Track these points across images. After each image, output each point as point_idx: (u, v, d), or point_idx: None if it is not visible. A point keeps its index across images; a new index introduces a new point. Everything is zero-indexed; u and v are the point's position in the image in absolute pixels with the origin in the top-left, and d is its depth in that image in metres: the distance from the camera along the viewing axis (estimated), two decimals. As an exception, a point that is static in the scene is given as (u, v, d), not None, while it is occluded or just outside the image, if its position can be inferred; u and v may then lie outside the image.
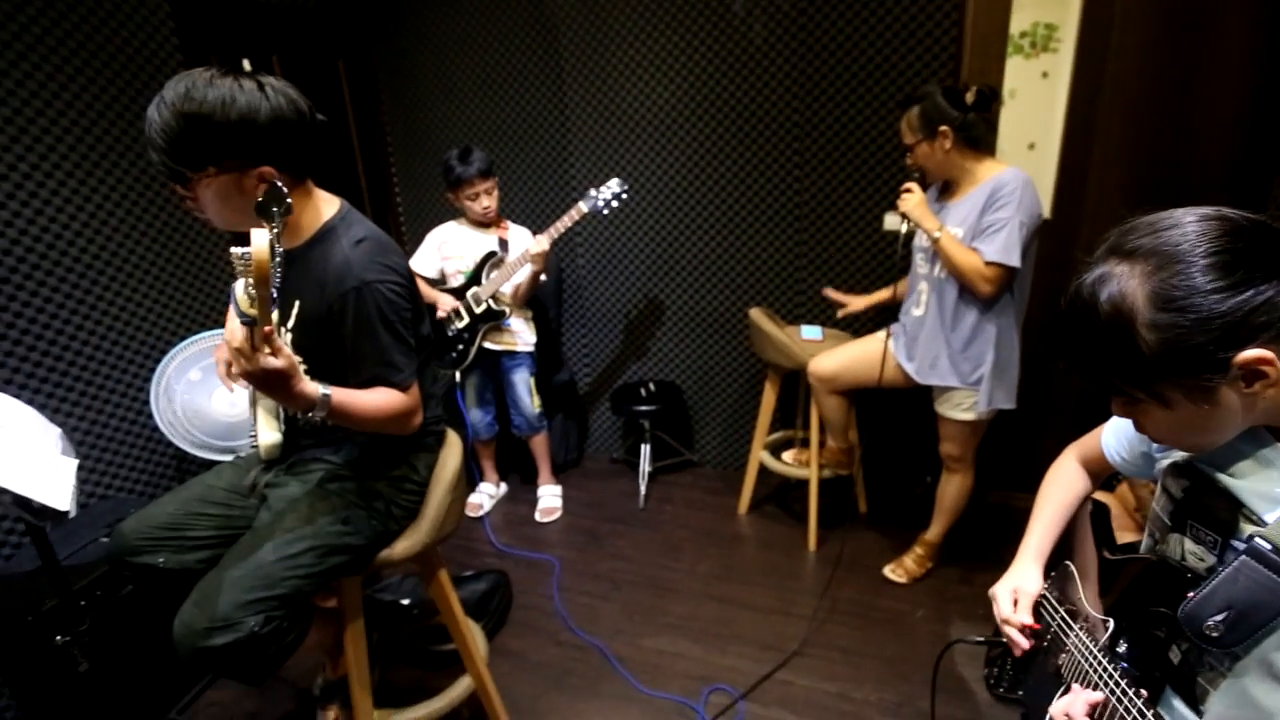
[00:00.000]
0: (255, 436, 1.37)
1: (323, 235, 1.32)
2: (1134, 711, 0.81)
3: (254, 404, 1.39)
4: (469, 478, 2.93)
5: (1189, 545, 0.84)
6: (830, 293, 2.47)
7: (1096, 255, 0.74)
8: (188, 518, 1.41)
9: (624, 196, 2.43)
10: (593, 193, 2.43)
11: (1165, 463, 0.90)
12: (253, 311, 0.99)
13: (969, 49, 2.33)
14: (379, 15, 2.95)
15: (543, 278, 2.54)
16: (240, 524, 1.43)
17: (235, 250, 0.94)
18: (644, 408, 2.87)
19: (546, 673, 2.06)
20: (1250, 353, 0.66)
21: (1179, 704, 0.84)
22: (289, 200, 1.01)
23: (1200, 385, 0.69)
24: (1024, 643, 1.03)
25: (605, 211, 2.44)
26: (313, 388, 1.16)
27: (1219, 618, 0.73)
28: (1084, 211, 2.38)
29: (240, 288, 1.02)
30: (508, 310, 2.58)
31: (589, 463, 3.28)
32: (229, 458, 1.69)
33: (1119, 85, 2.24)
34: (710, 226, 2.80)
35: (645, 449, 2.95)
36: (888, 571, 2.37)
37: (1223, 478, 0.79)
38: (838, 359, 2.24)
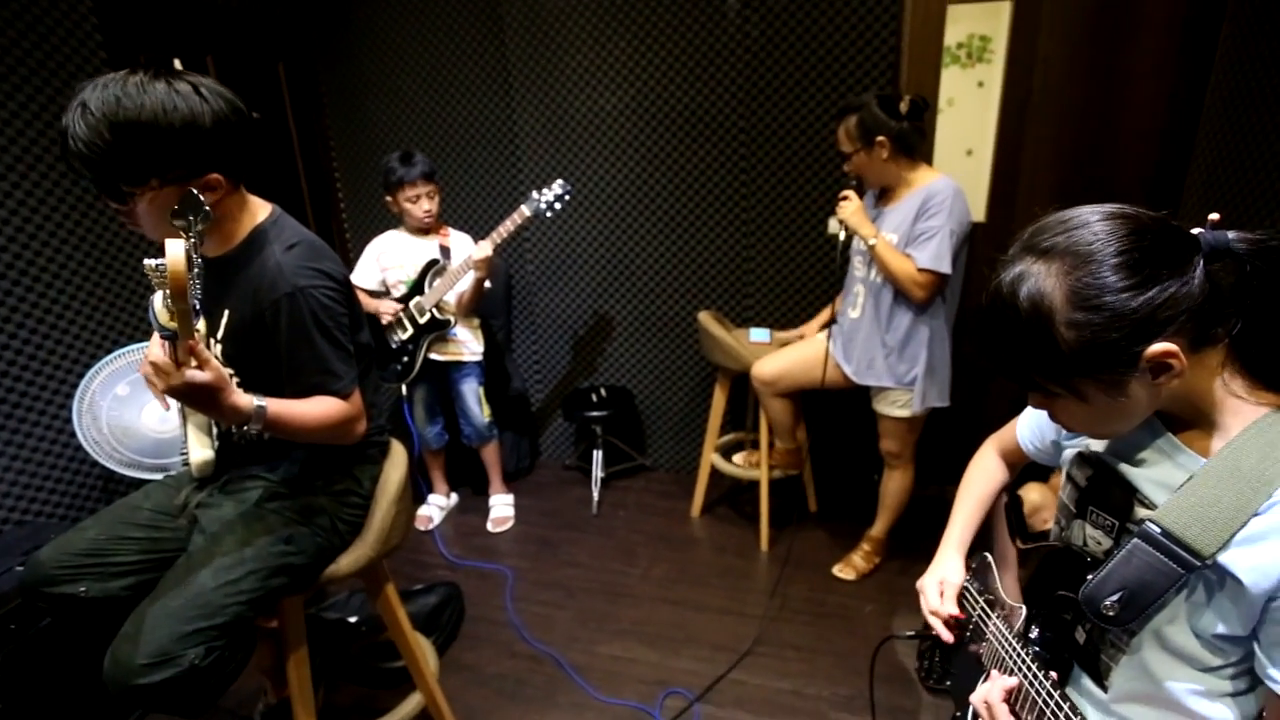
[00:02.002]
0: (186, 453, 1.31)
1: (253, 241, 1.27)
2: (1044, 693, 0.85)
3: (184, 419, 1.33)
4: (418, 490, 2.88)
5: (1090, 531, 0.88)
6: (781, 336, 2.54)
7: (1012, 253, 0.76)
8: (111, 542, 1.34)
9: (567, 198, 2.41)
10: (535, 195, 2.41)
11: (1070, 452, 0.94)
12: (173, 325, 0.95)
13: (907, 59, 2.41)
14: (322, 17, 2.88)
15: (488, 285, 2.51)
16: (169, 547, 1.36)
17: (149, 262, 0.89)
18: (596, 413, 2.86)
19: (501, 685, 2.03)
20: (1158, 346, 0.69)
21: (1087, 682, 0.89)
22: (206, 208, 0.96)
23: (1113, 379, 0.72)
24: (948, 634, 1.07)
25: (549, 214, 2.42)
26: (246, 400, 1.11)
27: (1114, 597, 0.77)
28: (1016, 214, 2.48)
29: (158, 301, 0.97)
30: (452, 319, 2.53)
31: (541, 470, 3.25)
32: (159, 476, 1.61)
33: (1047, 94, 2.34)
34: (659, 232, 2.81)
35: (597, 455, 2.94)
36: (836, 570, 2.41)
37: (1123, 466, 0.84)
38: (779, 362, 2.28)
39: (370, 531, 1.47)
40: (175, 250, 0.86)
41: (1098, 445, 0.89)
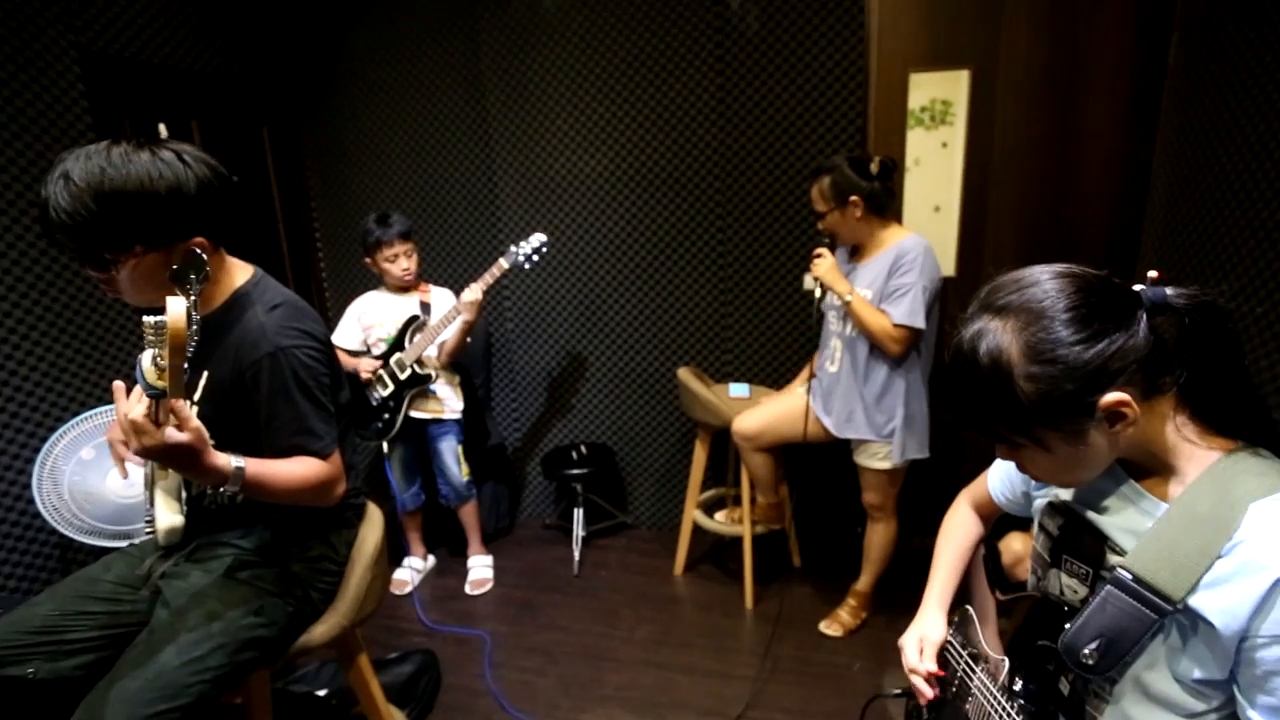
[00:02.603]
0: (152, 520, 1.27)
1: (234, 302, 1.27)
2: None
3: (151, 484, 1.29)
4: (396, 553, 2.80)
5: (1065, 580, 0.90)
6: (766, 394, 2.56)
7: (971, 311, 0.79)
8: (66, 618, 1.27)
9: (545, 250, 2.44)
10: (513, 248, 2.44)
11: (1041, 502, 0.96)
12: (161, 384, 0.94)
13: (873, 122, 2.51)
14: (306, 81, 2.95)
15: (469, 339, 2.51)
16: (129, 621, 1.30)
17: (148, 320, 0.89)
18: (576, 471, 2.83)
19: (478, 759, 1.94)
20: (1111, 396, 0.72)
21: None
22: (207, 268, 0.97)
23: (1073, 428, 0.75)
24: (929, 691, 1.05)
25: (527, 266, 2.44)
26: (224, 459, 1.10)
27: (1093, 645, 0.78)
28: (984, 267, 2.56)
29: (148, 359, 0.96)
30: (433, 374, 2.52)
31: (521, 530, 3.19)
32: (123, 544, 1.55)
33: (1006, 155, 2.45)
34: (637, 288, 2.84)
35: (578, 513, 2.89)
36: (823, 627, 2.37)
37: (1091, 514, 0.86)
38: (760, 417, 2.29)
39: (344, 599, 1.42)
40: (177, 308, 0.86)
41: (1066, 494, 0.91)
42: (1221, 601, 0.71)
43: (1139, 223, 2.37)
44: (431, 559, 2.92)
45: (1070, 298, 0.73)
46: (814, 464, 2.74)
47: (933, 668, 1.06)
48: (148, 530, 1.30)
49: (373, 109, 2.92)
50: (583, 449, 2.95)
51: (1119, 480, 0.84)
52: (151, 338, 0.89)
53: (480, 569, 2.80)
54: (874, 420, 2.10)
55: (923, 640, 1.09)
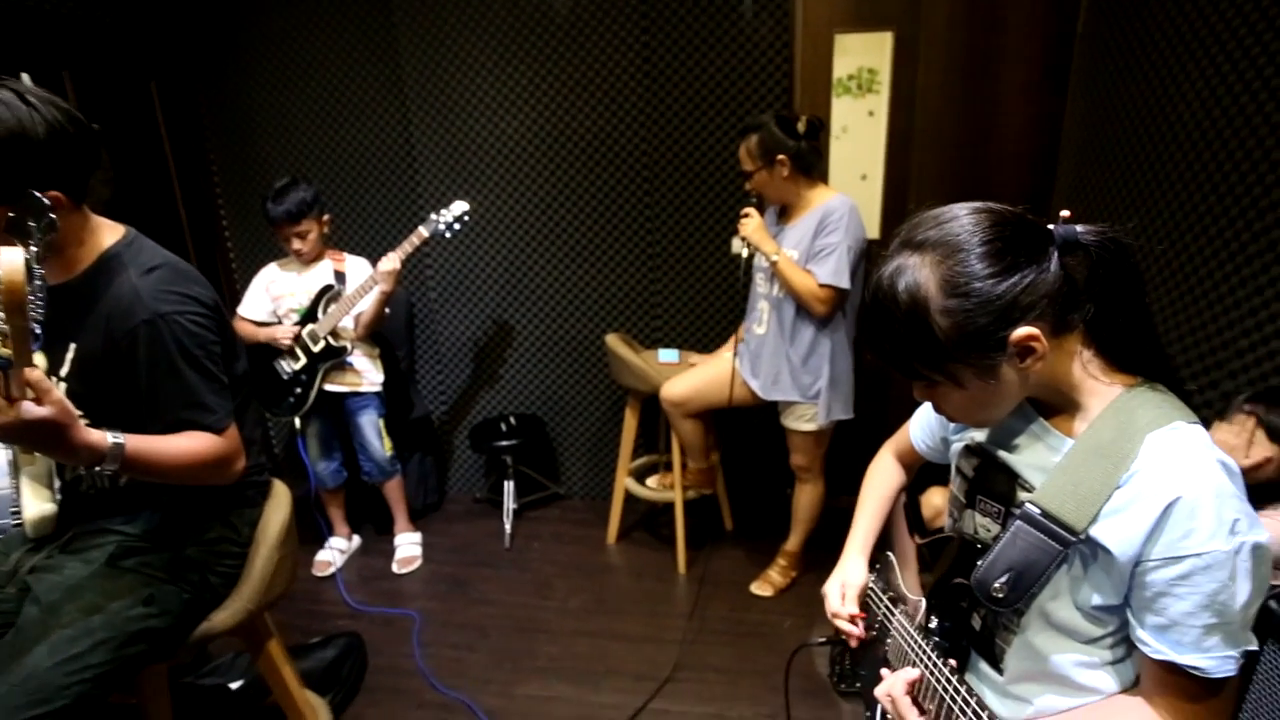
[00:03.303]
0: (18, 511, 1.14)
1: (103, 265, 1.15)
2: (944, 681, 0.87)
3: (15, 470, 1.16)
4: (318, 533, 2.68)
5: (979, 519, 0.92)
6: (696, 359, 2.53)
7: (892, 248, 0.79)
8: None
9: (467, 219, 2.34)
10: (434, 216, 2.32)
11: (958, 445, 0.98)
12: (6, 351, 0.83)
13: (799, 85, 2.50)
14: (201, 33, 2.70)
15: (387, 310, 2.39)
16: None
17: None
18: (505, 443, 2.76)
19: (407, 739, 1.89)
20: (1021, 331, 0.73)
21: (985, 666, 0.92)
22: (52, 215, 0.85)
23: (985, 363, 0.76)
24: (856, 631, 1.07)
25: (448, 235, 2.34)
26: (98, 436, 0.99)
27: (1002, 579, 0.81)
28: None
29: None
30: (349, 346, 2.39)
31: (450, 505, 3.11)
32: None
33: (927, 122, 2.48)
34: (564, 254, 2.77)
35: (509, 486, 2.83)
36: (754, 588, 2.41)
37: (1002, 454, 0.88)
38: (687, 383, 2.27)
39: (248, 582, 1.34)
40: (12, 259, 0.75)
41: (980, 435, 0.93)
42: (1119, 530, 0.74)
43: (1051, 184, 2.45)
44: (356, 539, 2.81)
45: (985, 232, 0.74)
46: (743, 428, 2.76)
47: (854, 610, 1.08)
48: (15, 524, 1.18)
49: (279, 66, 2.71)
50: (512, 420, 2.89)
51: (1029, 419, 0.86)
52: None
53: (408, 546, 2.71)
54: (800, 381, 2.11)
55: (844, 585, 1.10)
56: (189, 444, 1.13)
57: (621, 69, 2.51)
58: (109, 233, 1.18)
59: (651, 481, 2.67)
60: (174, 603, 1.22)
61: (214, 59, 2.74)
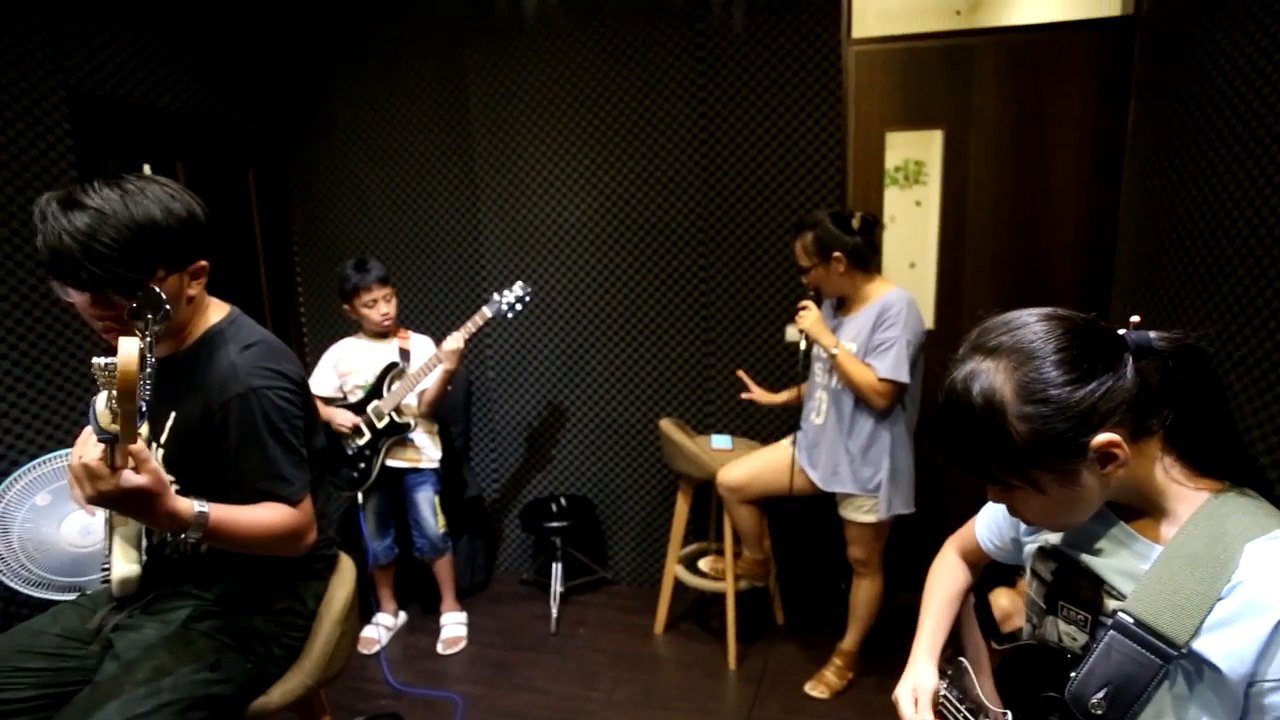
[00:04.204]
0: (108, 569, 1.20)
1: (207, 340, 1.24)
2: None
3: (110, 531, 1.22)
4: (366, 608, 2.68)
5: (1063, 626, 0.88)
6: (742, 374, 2.50)
7: (962, 352, 0.80)
8: (3, 675, 1.18)
9: (528, 299, 2.44)
10: (496, 297, 2.43)
11: (1032, 547, 0.95)
12: (114, 428, 0.89)
13: (852, 180, 2.58)
14: (292, 127, 2.97)
15: (450, 388, 2.47)
16: (75, 679, 1.21)
17: (98, 361, 0.84)
18: (555, 524, 2.76)
19: (446, 834, 1.81)
20: (1102, 437, 0.73)
21: None
22: (167, 307, 0.94)
23: (1065, 469, 0.75)
24: None
25: (509, 315, 2.43)
26: (186, 504, 1.04)
27: (1100, 694, 0.77)
28: (962, 321, 2.60)
29: (102, 401, 0.92)
30: (412, 423, 2.47)
31: (497, 585, 3.08)
32: (72, 596, 1.46)
33: (979, 212, 2.52)
34: (621, 339, 2.84)
35: (557, 568, 2.81)
36: (809, 689, 2.29)
37: (1085, 558, 0.85)
38: (746, 468, 2.26)
39: (310, 657, 1.35)
40: (129, 349, 0.82)
41: (1055, 538, 0.90)
42: (1226, 645, 0.71)
43: (1109, 275, 2.44)
44: (403, 615, 2.80)
45: (1059, 339, 0.75)
46: (798, 518, 2.70)
47: (929, 718, 1.02)
48: (103, 580, 1.23)
49: (358, 154, 2.94)
50: (562, 501, 2.89)
51: (1109, 523, 0.84)
52: (104, 380, 0.85)
53: (453, 626, 2.69)
54: (859, 474, 2.08)
55: (916, 690, 1.06)
56: (266, 515, 1.18)
57: (680, 161, 2.65)
58: (215, 310, 1.28)
59: (703, 563, 2.61)
60: (238, 671, 1.24)
61: (301, 147, 2.99)
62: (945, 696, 1.09)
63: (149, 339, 0.90)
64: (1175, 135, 2.04)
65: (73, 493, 1.24)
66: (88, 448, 0.95)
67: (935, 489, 2.45)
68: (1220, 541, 0.73)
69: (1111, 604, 0.81)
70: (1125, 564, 0.82)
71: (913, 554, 2.57)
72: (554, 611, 2.75)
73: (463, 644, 2.64)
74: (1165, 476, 0.79)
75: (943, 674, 1.11)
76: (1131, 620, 0.76)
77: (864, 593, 2.24)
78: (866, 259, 2.08)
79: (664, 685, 2.39)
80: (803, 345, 2.16)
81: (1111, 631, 0.77)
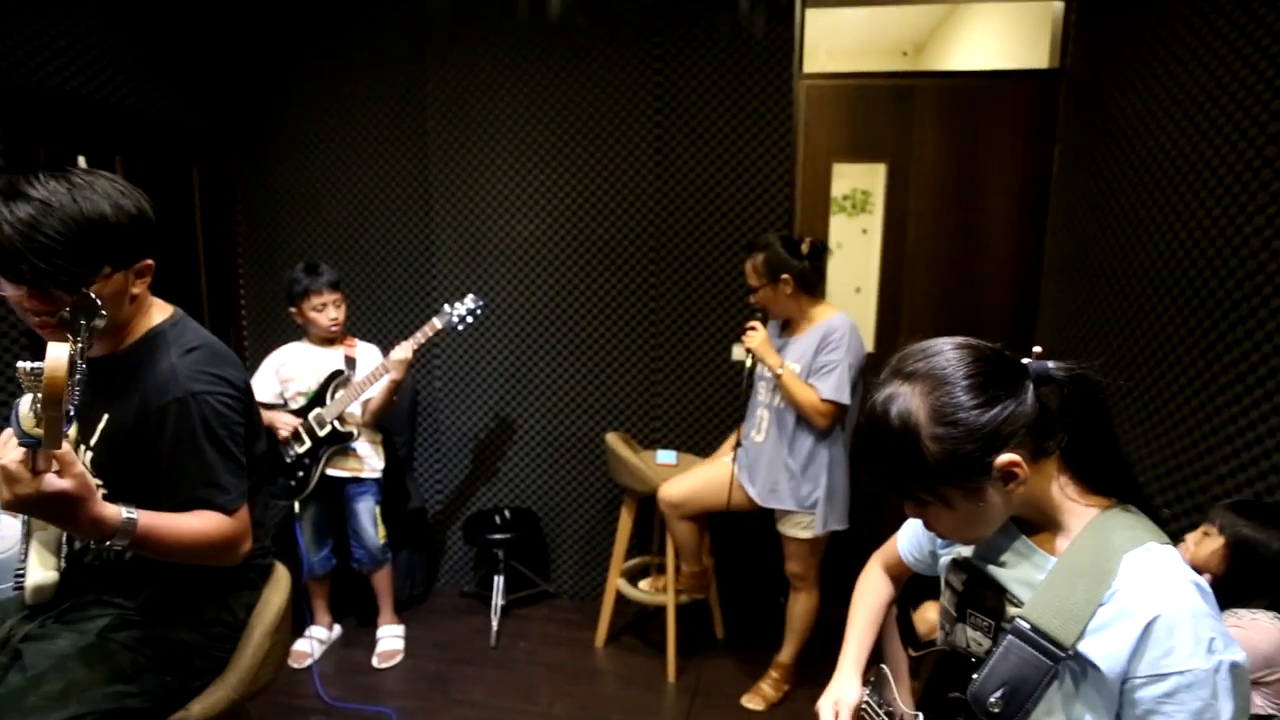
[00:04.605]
0: (22, 575, 1.15)
1: (148, 341, 1.21)
2: None
3: (27, 536, 1.18)
4: (299, 621, 2.61)
5: (970, 633, 0.95)
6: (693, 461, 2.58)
7: (884, 377, 0.87)
8: None
9: (480, 312, 2.43)
10: (447, 308, 2.42)
11: (946, 559, 1.02)
12: (38, 432, 0.86)
13: (800, 207, 2.68)
14: (243, 127, 2.91)
15: (396, 399, 2.44)
16: None
17: (23, 365, 0.82)
18: (498, 536, 2.75)
19: None
20: (1004, 457, 0.80)
21: None
22: (103, 312, 0.91)
23: (972, 486, 0.82)
24: None
25: (460, 327, 2.42)
26: (113, 510, 1.01)
27: (997, 694, 0.83)
28: (899, 346, 2.70)
29: (25, 404, 0.89)
30: (355, 432, 2.43)
31: (438, 598, 3.04)
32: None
33: (919, 242, 2.65)
34: (568, 353, 2.86)
35: (498, 580, 2.79)
36: (745, 701, 2.33)
37: (991, 569, 0.93)
38: (686, 484, 2.30)
39: (235, 669, 1.31)
40: (58, 355, 0.80)
41: (968, 551, 0.97)
42: (1105, 647, 0.78)
43: (1035, 302, 2.59)
44: (337, 629, 2.74)
45: (969, 366, 0.81)
46: (738, 534, 2.75)
47: None
48: (15, 587, 1.18)
49: (311, 159, 2.90)
50: (506, 513, 2.88)
51: (1013, 536, 0.91)
52: (29, 384, 0.82)
53: (390, 639, 2.64)
54: (798, 491, 2.14)
55: (838, 703, 1.10)
56: (199, 524, 1.15)
57: (634, 182, 2.70)
58: (158, 311, 1.25)
59: (644, 584, 2.64)
60: (154, 684, 1.19)
61: (251, 148, 2.93)
62: (867, 703, 1.14)
63: (80, 345, 0.88)
64: (1093, 178, 2.19)
65: None
66: (7, 450, 0.92)
67: (869, 507, 2.53)
68: (1104, 553, 0.81)
69: (1012, 611, 0.88)
70: (1025, 574, 0.89)
71: (848, 569, 2.63)
72: (494, 624, 2.73)
73: (399, 657, 2.60)
74: (1061, 494, 0.86)
75: (866, 682, 1.16)
76: (1027, 625, 0.82)
77: (800, 606, 2.29)
78: (813, 283, 2.16)
79: (603, 699, 2.40)
80: (748, 364, 2.22)
81: (1009, 636, 0.84)
